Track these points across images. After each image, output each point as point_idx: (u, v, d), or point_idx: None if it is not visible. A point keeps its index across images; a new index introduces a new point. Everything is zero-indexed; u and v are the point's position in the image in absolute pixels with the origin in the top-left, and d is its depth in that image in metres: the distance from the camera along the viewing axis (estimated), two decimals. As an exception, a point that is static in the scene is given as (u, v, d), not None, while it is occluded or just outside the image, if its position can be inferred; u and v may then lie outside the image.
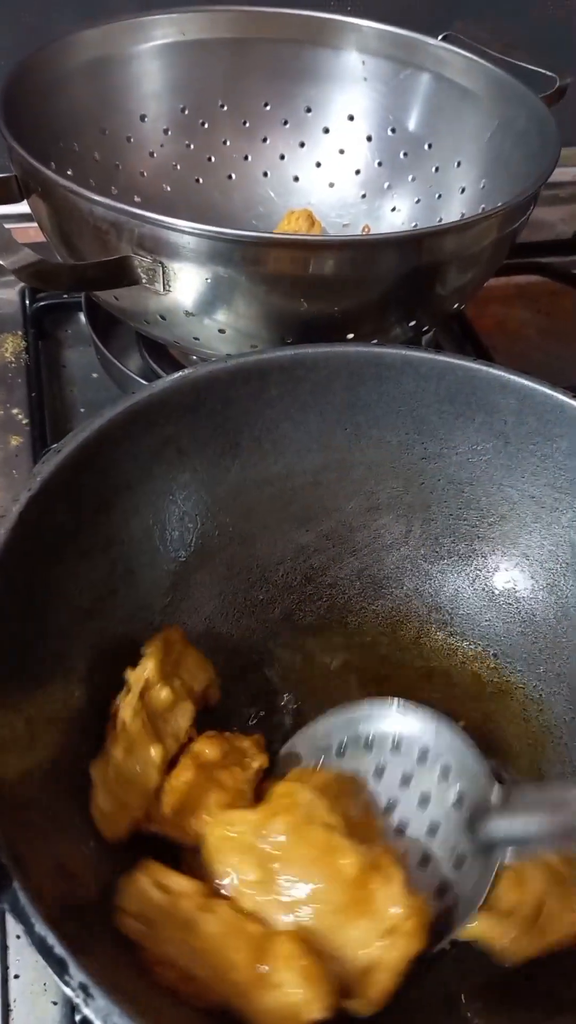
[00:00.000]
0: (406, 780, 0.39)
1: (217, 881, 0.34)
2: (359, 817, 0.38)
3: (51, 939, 0.26)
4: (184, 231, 0.43)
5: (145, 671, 0.39)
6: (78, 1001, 0.25)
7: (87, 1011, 0.25)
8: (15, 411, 0.64)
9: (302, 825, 0.34)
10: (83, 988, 0.25)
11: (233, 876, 0.34)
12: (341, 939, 0.32)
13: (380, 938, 0.32)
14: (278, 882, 0.33)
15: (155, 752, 0.37)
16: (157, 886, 0.32)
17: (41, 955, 0.26)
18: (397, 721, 0.41)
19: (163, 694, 0.39)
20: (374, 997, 0.32)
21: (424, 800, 0.38)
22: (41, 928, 0.26)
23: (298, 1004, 0.30)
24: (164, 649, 0.40)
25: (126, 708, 0.38)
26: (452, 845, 0.37)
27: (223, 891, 0.34)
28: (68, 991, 0.25)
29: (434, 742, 0.40)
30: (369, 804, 0.39)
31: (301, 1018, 0.30)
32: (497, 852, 0.36)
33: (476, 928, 0.35)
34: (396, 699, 0.41)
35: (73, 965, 0.25)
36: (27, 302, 0.71)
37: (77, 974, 0.25)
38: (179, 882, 0.33)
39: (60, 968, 0.25)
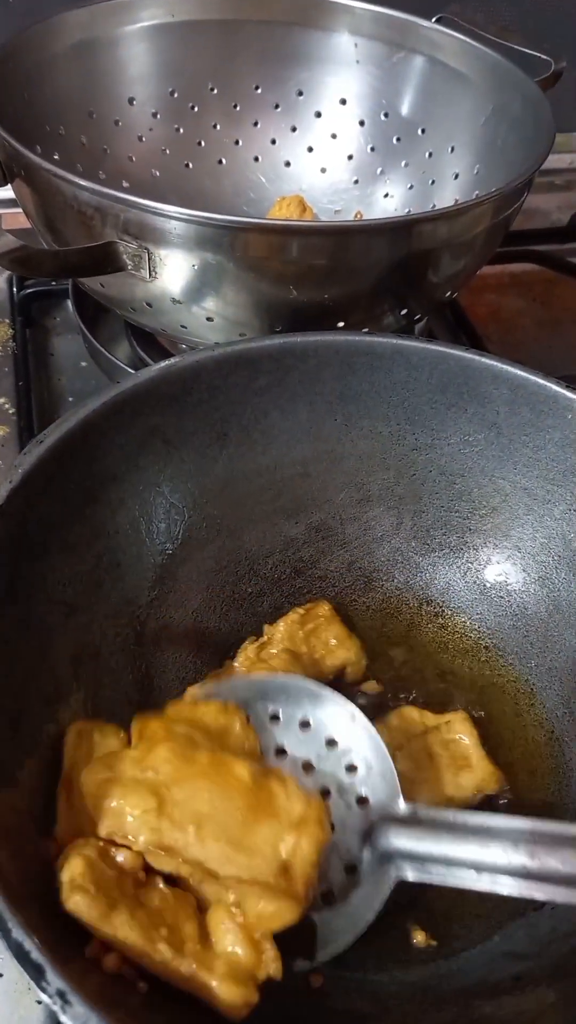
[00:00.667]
0: (308, 767, 0.38)
1: (110, 829, 0.32)
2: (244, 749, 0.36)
3: (28, 944, 0.25)
4: (170, 216, 0.42)
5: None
6: (55, 1008, 0.24)
7: (64, 1018, 0.24)
8: (2, 400, 0.63)
9: (185, 750, 0.34)
10: (60, 995, 0.24)
11: (128, 813, 0.32)
12: (251, 845, 0.32)
13: (288, 833, 0.32)
14: (175, 803, 0.32)
15: None
16: (105, 860, 0.31)
17: (18, 961, 0.25)
18: (314, 702, 0.39)
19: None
20: (299, 891, 0.32)
21: (324, 793, 0.37)
22: (18, 933, 0.25)
23: (247, 963, 0.30)
24: (302, 619, 0.44)
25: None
26: (346, 848, 0.36)
27: (118, 839, 0.32)
28: (46, 998, 0.24)
29: (348, 734, 0.38)
30: (256, 750, 0.37)
31: (258, 976, 0.30)
32: (391, 871, 0.35)
33: None
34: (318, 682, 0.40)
35: (50, 971, 0.25)
36: (14, 289, 0.70)
37: (54, 980, 0.25)
38: (126, 855, 0.32)
39: (37, 974, 0.25)
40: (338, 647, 0.45)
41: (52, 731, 0.36)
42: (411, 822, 0.35)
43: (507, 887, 0.32)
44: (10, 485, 0.36)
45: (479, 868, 0.33)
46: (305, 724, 0.39)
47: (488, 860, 0.32)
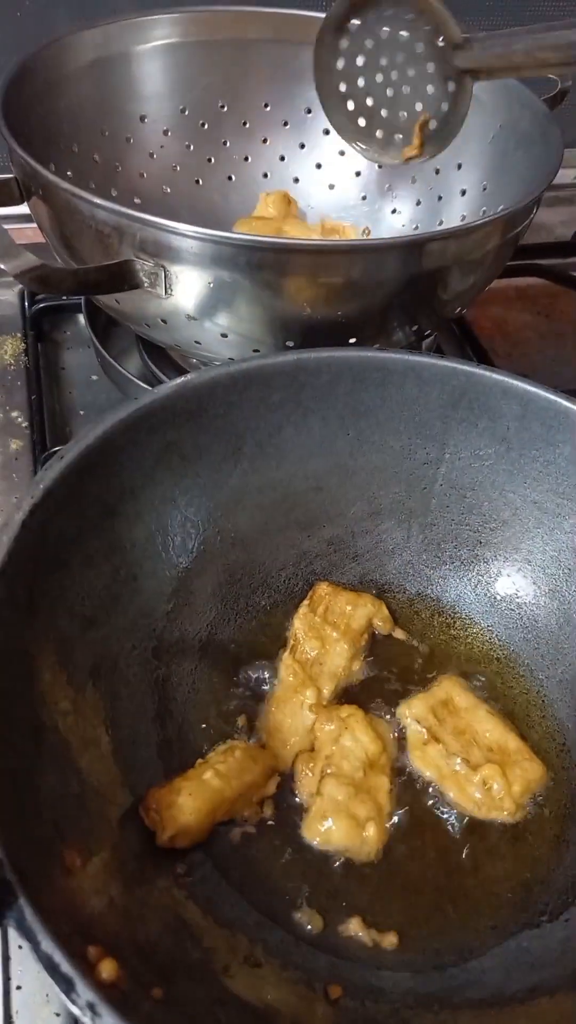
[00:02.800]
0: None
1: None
2: None
3: (58, 956, 0.25)
4: (187, 235, 0.43)
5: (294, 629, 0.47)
6: (85, 1020, 0.25)
7: (95, 1029, 0.25)
8: (14, 414, 0.64)
9: None
10: (91, 1006, 0.25)
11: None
12: None
13: None
14: None
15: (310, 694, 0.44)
16: None
17: (48, 972, 0.25)
18: None
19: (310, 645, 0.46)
20: None
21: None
22: (48, 945, 0.25)
23: None
24: (310, 607, 0.47)
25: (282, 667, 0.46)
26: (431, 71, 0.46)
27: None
28: (75, 1009, 0.25)
29: None
30: None
31: None
32: (467, 81, 0.42)
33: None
34: None
35: (80, 983, 0.25)
36: (26, 304, 0.70)
37: (84, 992, 0.25)
38: None
39: (67, 986, 0.25)
40: (355, 608, 0.47)
41: (71, 743, 0.36)
42: (471, 44, 0.45)
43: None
44: (32, 500, 0.36)
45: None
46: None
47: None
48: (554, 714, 0.45)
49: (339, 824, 0.39)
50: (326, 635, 0.46)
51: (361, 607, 0.48)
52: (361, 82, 0.51)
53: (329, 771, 0.41)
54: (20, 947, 0.40)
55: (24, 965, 0.40)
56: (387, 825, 0.40)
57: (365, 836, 0.39)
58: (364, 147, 0.53)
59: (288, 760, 0.42)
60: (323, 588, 0.48)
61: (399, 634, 0.49)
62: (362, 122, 0.53)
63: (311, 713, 0.43)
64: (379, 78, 0.51)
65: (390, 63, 0.50)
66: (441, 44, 0.47)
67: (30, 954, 0.39)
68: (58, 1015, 0.38)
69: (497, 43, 0.45)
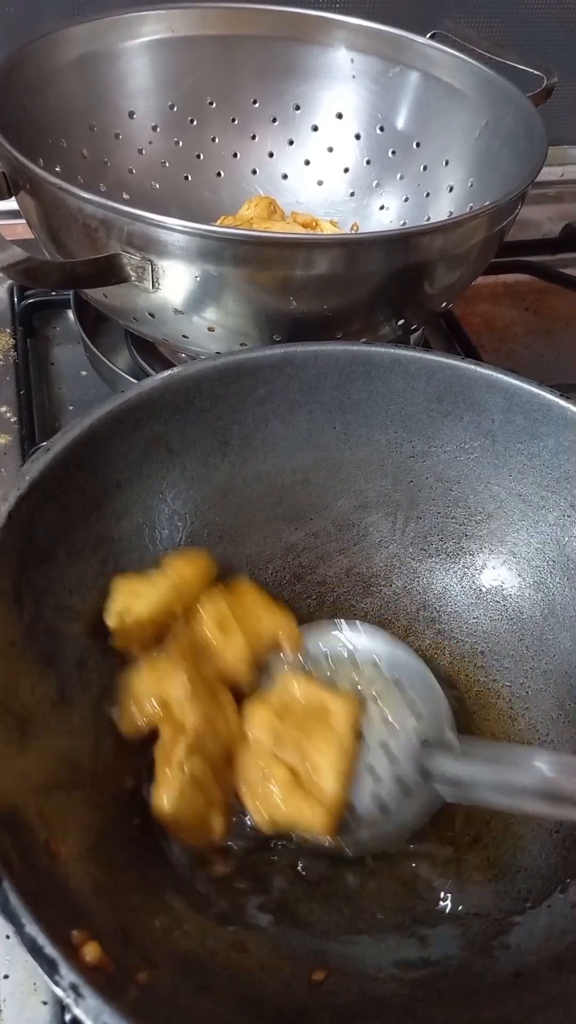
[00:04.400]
0: (374, 699, 0.43)
1: None
2: None
3: (41, 939, 0.26)
4: (174, 229, 0.43)
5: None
6: (68, 1001, 0.25)
7: (78, 1011, 0.25)
8: (3, 409, 0.64)
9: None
10: (73, 988, 0.25)
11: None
12: None
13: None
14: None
15: None
16: None
17: (31, 955, 0.26)
18: (372, 642, 0.45)
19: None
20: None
21: (385, 720, 0.42)
22: (32, 928, 0.26)
23: None
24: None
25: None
26: (402, 771, 0.41)
27: None
28: (59, 991, 0.25)
29: (407, 673, 0.44)
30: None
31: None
32: (436, 790, 0.39)
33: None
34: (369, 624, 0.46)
35: (64, 965, 0.25)
36: (15, 300, 0.70)
37: (68, 974, 0.25)
38: None
39: (51, 968, 0.25)
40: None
41: (58, 734, 0.37)
42: (460, 751, 0.40)
43: (534, 808, 0.36)
44: (18, 492, 0.37)
45: (509, 792, 0.37)
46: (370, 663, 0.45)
47: (516, 783, 0.36)
48: (538, 705, 0.46)
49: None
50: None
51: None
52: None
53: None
54: (8, 937, 0.40)
55: (12, 955, 0.40)
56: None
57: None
58: None
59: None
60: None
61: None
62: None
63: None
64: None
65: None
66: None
67: (17, 944, 0.40)
68: (45, 1003, 0.38)
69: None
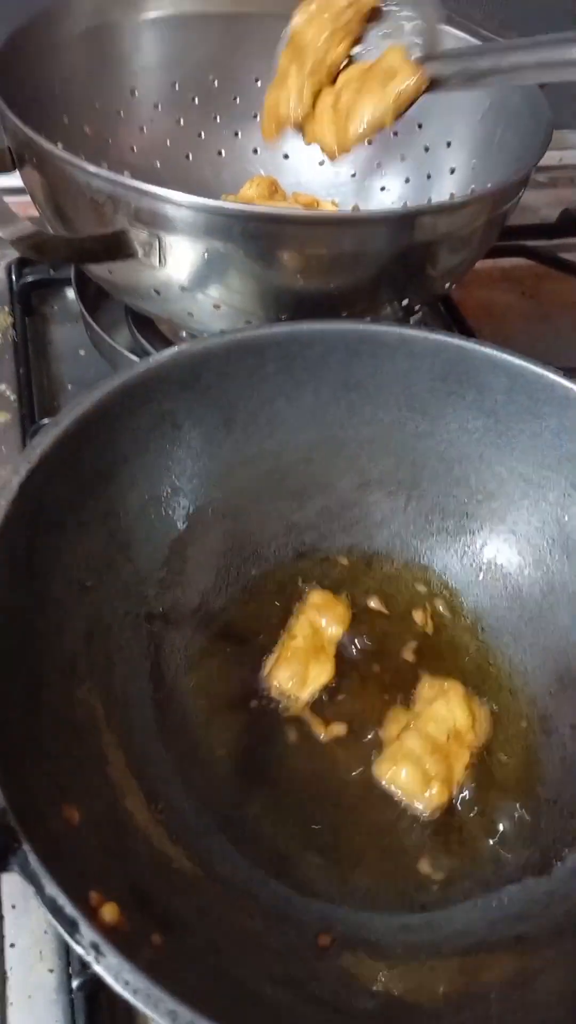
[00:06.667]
0: None
1: None
2: None
3: (62, 899, 0.26)
4: (182, 204, 0.43)
5: None
6: (89, 959, 0.25)
7: (98, 968, 0.25)
8: (2, 387, 0.64)
9: None
10: (94, 946, 0.25)
11: None
12: None
13: None
14: None
15: None
16: None
17: (52, 916, 0.26)
18: None
19: None
20: None
21: None
22: (52, 889, 0.26)
23: None
24: None
25: None
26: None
27: None
28: (79, 949, 0.26)
29: None
30: None
31: None
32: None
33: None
34: None
35: (84, 924, 0.26)
36: (13, 278, 0.70)
37: (88, 933, 0.26)
38: None
39: (71, 928, 0.26)
40: None
41: (69, 702, 0.37)
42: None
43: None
44: (28, 464, 0.37)
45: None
46: None
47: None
48: (537, 680, 0.46)
49: (409, 772, 0.41)
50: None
51: None
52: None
53: (414, 725, 0.42)
54: (14, 906, 0.41)
55: (18, 923, 0.40)
56: (453, 791, 0.41)
57: (429, 793, 0.40)
58: None
59: None
60: None
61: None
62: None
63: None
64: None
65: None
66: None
67: (24, 913, 0.41)
68: (52, 971, 0.39)
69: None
